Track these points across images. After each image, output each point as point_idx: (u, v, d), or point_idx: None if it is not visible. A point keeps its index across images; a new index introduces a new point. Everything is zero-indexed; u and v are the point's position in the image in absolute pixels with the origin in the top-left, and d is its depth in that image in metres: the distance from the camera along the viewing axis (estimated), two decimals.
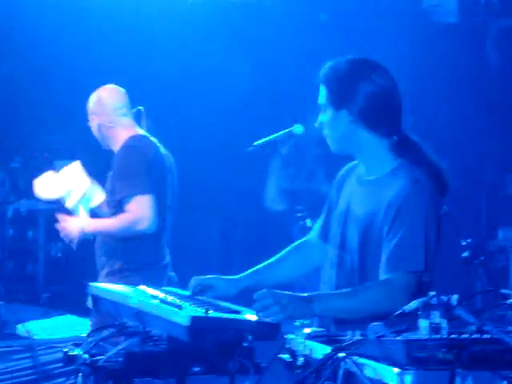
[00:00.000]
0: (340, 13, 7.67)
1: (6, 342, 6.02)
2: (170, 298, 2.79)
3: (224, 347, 2.58)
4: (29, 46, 7.54)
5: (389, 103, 2.83)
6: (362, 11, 7.55)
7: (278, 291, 2.64)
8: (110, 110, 4.49)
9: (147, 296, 2.87)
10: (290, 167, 6.25)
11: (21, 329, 6.18)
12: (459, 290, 2.37)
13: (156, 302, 2.75)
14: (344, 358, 2.21)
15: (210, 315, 2.58)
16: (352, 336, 2.30)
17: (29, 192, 4.52)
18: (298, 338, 2.43)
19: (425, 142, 2.89)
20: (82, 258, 4.73)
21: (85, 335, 2.92)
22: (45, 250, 7.80)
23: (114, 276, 4.36)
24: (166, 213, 4.46)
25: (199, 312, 2.60)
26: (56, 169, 4.69)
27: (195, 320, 2.51)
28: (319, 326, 2.58)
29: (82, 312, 4.62)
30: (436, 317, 2.21)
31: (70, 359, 2.82)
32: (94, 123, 4.53)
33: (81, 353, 2.74)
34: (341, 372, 2.22)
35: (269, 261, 3.08)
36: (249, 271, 3.05)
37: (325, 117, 2.87)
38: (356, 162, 2.96)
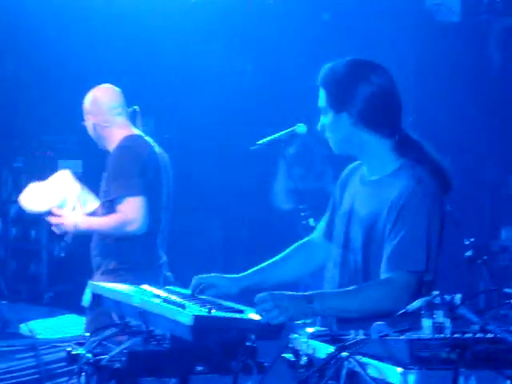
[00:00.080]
0: (342, 12, 7.67)
1: (9, 341, 6.02)
2: (173, 297, 2.79)
3: (227, 346, 2.59)
4: (33, 46, 7.55)
5: (388, 103, 2.83)
6: (364, 10, 7.55)
7: (278, 292, 2.64)
8: (104, 110, 4.49)
9: (150, 295, 2.87)
10: (299, 167, 6.26)
11: (24, 328, 6.19)
12: (462, 290, 2.37)
13: (159, 301, 2.75)
14: (347, 357, 2.21)
15: (213, 314, 2.58)
16: (355, 335, 2.30)
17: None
18: (301, 338, 2.43)
19: (426, 140, 2.89)
20: (85, 257, 4.74)
21: (88, 334, 2.91)
22: (48, 249, 7.80)
23: (108, 275, 4.37)
24: (160, 213, 4.46)
25: (202, 311, 2.60)
26: (59, 168, 4.70)
27: (198, 319, 2.51)
28: (322, 326, 2.58)
29: (85, 311, 4.62)
30: (439, 316, 2.21)
31: (73, 358, 2.82)
32: (89, 123, 4.53)
33: (84, 352, 2.74)
34: (344, 371, 2.22)
35: (272, 260, 3.08)
36: (251, 270, 3.05)
37: (326, 119, 2.87)
38: (359, 162, 2.96)
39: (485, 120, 7.45)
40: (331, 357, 2.24)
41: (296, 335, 2.44)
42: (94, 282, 3.23)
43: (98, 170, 4.75)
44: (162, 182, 4.50)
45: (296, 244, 3.12)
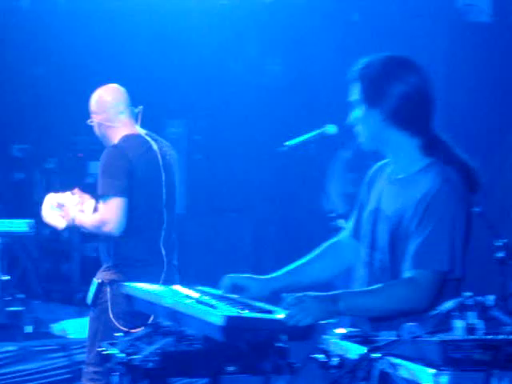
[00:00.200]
0: (372, 12, 7.65)
1: (42, 340, 6.08)
2: (204, 298, 2.80)
3: (258, 347, 2.59)
4: (64, 50, 7.62)
5: (421, 104, 2.82)
6: (394, 11, 7.52)
7: (302, 294, 2.64)
8: (107, 108, 4.50)
9: (181, 296, 2.88)
10: (353, 171, 6.25)
11: (56, 328, 6.24)
12: (495, 291, 2.36)
13: (190, 301, 2.76)
14: (379, 358, 2.21)
15: (244, 315, 2.58)
16: (387, 336, 2.29)
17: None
18: (332, 338, 2.43)
19: (456, 141, 2.87)
20: None
21: (120, 334, 2.93)
22: (79, 249, 7.86)
23: (108, 271, 4.42)
24: (161, 211, 4.46)
25: (233, 312, 2.60)
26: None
27: (230, 320, 2.52)
28: (352, 326, 2.58)
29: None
30: (472, 317, 2.20)
31: (105, 358, 2.84)
32: (94, 122, 4.56)
33: (117, 352, 2.76)
34: (376, 372, 2.22)
35: (301, 261, 3.07)
36: (281, 271, 3.04)
37: (357, 113, 2.87)
38: (387, 160, 2.96)
39: None
40: (363, 358, 2.24)
41: (327, 336, 2.44)
42: (128, 283, 3.25)
43: None
44: (161, 180, 4.49)
45: (325, 244, 3.11)
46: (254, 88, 7.85)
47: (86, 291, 4.50)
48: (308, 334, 2.59)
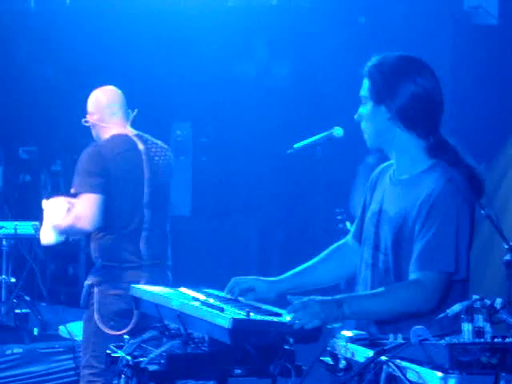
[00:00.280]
0: (379, 15, 7.65)
1: (48, 343, 6.09)
2: (211, 300, 2.79)
3: (265, 350, 2.59)
4: (71, 53, 7.63)
5: (429, 106, 2.81)
6: (400, 13, 7.52)
7: (307, 299, 2.63)
8: (100, 108, 4.55)
9: (188, 298, 2.88)
10: None
11: (63, 330, 6.24)
12: (502, 294, 2.36)
13: (198, 304, 2.76)
14: (386, 361, 2.21)
15: (251, 317, 2.58)
16: (394, 339, 2.29)
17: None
18: (339, 341, 2.43)
19: (462, 143, 2.87)
20: None
21: (127, 337, 2.93)
22: (86, 252, 7.85)
23: (96, 272, 4.45)
24: (142, 210, 4.45)
25: (241, 314, 2.60)
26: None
27: (237, 322, 2.52)
28: (357, 328, 2.57)
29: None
30: (479, 320, 2.19)
31: (112, 361, 2.84)
32: (90, 122, 4.60)
33: (123, 354, 2.76)
34: (383, 375, 2.21)
35: (309, 263, 3.06)
36: (289, 273, 3.04)
37: (364, 109, 2.86)
38: (390, 162, 2.95)
39: None
40: (370, 361, 2.23)
41: (334, 339, 2.44)
42: (135, 285, 3.25)
43: None
44: (142, 180, 4.48)
45: (332, 247, 3.11)
46: (261, 90, 7.85)
47: None
48: (315, 336, 2.59)
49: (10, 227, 6.37)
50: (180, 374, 2.67)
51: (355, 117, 2.88)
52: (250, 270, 3.26)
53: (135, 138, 4.52)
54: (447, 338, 2.17)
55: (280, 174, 7.72)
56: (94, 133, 4.63)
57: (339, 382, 2.34)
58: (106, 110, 4.54)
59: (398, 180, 2.86)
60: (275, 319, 2.63)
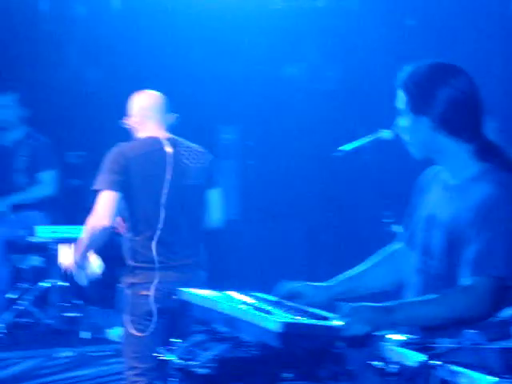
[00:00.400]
0: (427, 17, 7.60)
1: (98, 346, 6.14)
2: (260, 304, 2.79)
3: (315, 354, 2.58)
4: (120, 57, 7.69)
5: (469, 108, 2.78)
6: (448, 15, 7.46)
7: (358, 305, 2.61)
8: (137, 111, 4.62)
9: (237, 302, 2.88)
10: None
11: (112, 334, 6.29)
12: None
13: (247, 307, 2.76)
14: (439, 365, 2.18)
15: (301, 321, 2.58)
16: (447, 344, 2.26)
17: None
18: (390, 345, 2.41)
19: (510, 147, 2.83)
20: None
21: (177, 340, 2.94)
22: None
23: (126, 274, 4.54)
24: (157, 210, 4.48)
25: (290, 318, 2.59)
26: None
27: (287, 326, 2.51)
28: (406, 333, 2.55)
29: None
30: None
31: (162, 364, 2.85)
32: (128, 125, 4.69)
33: (174, 358, 2.77)
34: (435, 380, 2.19)
35: (358, 268, 3.04)
36: (338, 278, 3.03)
37: (404, 122, 2.84)
38: (437, 166, 2.92)
39: None
40: (423, 365, 2.21)
41: (385, 342, 2.42)
42: (183, 289, 3.27)
43: None
44: (162, 181, 4.50)
45: (382, 251, 3.09)
46: (308, 93, 7.84)
47: None
48: (365, 341, 2.57)
49: (60, 232, 6.45)
50: (230, 377, 2.66)
51: (395, 130, 2.86)
52: (297, 275, 3.25)
53: (165, 141, 4.57)
54: (500, 343, 2.15)
55: (328, 177, 7.70)
56: (133, 134, 4.70)
57: None
58: (143, 113, 4.60)
59: (450, 185, 2.83)
60: (325, 323, 2.61)
